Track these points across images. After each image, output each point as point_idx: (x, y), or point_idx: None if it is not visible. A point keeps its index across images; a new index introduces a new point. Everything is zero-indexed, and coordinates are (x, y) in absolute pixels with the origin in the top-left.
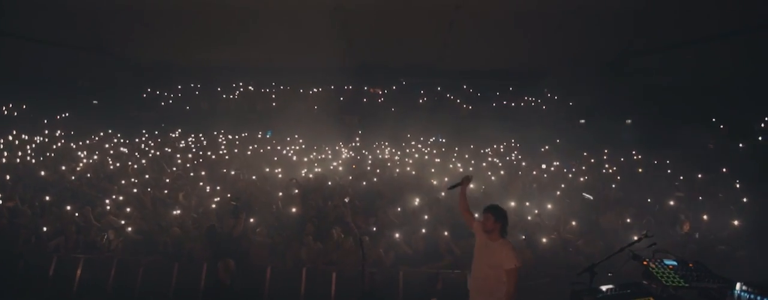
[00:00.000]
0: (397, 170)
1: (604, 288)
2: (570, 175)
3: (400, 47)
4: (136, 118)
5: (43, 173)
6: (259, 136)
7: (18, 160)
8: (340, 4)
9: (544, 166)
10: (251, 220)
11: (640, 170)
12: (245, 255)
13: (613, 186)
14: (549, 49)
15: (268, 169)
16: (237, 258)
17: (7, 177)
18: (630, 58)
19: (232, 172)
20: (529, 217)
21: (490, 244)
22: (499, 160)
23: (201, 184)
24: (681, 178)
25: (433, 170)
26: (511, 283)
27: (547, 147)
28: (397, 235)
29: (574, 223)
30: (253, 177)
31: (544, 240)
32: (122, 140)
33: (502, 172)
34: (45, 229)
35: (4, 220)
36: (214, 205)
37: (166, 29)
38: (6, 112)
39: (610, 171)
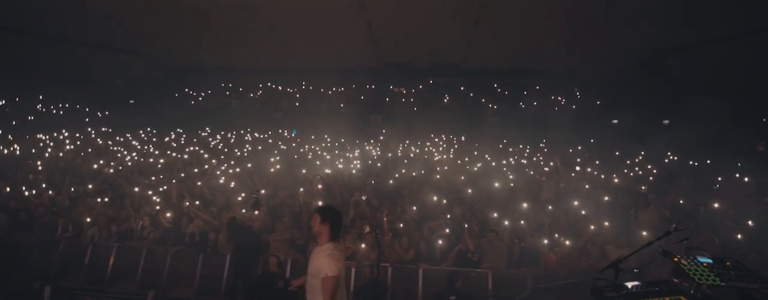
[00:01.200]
0: (421, 170)
1: (629, 285)
2: (602, 177)
3: (424, 46)
4: (169, 116)
5: (83, 167)
6: (284, 134)
7: (61, 154)
8: (365, 4)
9: (578, 168)
10: (256, 212)
11: (677, 173)
12: (266, 248)
13: (644, 188)
14: (579, 47)
15: (286, 166)
16: (258, 251)
17: (39, 167)
18: (667, 55)
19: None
20: (543, 222)
21: (316, 248)
22: (525, 160)
23: (225, 179)
24: (719, 179)
25: (456, 169)
26: (324, 293)
27: (579, 147)
28: (418, 232)
29: (606, 223)
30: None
31: (567, 243)
32: (156, 137)
33: (530, 172)
34: (88, 219)
35: (44, 209)
36: (236, 198)
37: (195, 30)
38: (54, 111)
39: (641, 172)
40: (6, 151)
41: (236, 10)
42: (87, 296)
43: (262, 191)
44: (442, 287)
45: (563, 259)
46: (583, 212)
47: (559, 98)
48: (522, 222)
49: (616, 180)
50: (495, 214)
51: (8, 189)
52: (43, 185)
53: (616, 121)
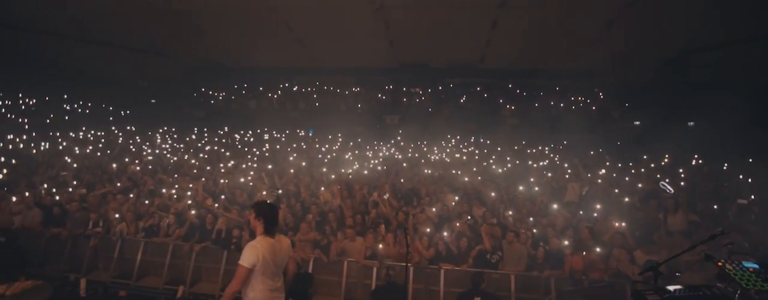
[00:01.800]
0: (439, 171)
1: (671, 288)
2: (626, 179)
3: (442, 47)
4: (189, 115)
5: (109, 165)
6: (301, 133)
7: (88, 151)
8: (384, 4)
9: (602, 171)
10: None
11: (702, 174)
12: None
13: (671, 190)
14: (600, 47)
15: (310, 166)
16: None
17: (75, 165)
18: (691, 55)
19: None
20: (567, 225)
21: None
22: (545, 161)
23: (247, 177)
24: (749, 181)
25: (474, 170)
26: (234, 278)
27: (600, 150)
28: (439, 233)
29: (624, 224)
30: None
31: (598, 249)
32: (177, 136)
33: (549, 174)
34: (117, 215)
35: (77, 205)
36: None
37: (215, 31)
38: (79, 110)
39: (667, 176)
40: (36, 150)
41: (256, 10)
42: (120, 289)
43: (280, 191)
44: (465, 287)
45: (594, 263)
46: (608, 216)
47: (580, 99)
48: (540, 223)
49: (640, 185)
50: (510, 213)
51: (45, 185)
52: (74, 182)
53: (638, 123)
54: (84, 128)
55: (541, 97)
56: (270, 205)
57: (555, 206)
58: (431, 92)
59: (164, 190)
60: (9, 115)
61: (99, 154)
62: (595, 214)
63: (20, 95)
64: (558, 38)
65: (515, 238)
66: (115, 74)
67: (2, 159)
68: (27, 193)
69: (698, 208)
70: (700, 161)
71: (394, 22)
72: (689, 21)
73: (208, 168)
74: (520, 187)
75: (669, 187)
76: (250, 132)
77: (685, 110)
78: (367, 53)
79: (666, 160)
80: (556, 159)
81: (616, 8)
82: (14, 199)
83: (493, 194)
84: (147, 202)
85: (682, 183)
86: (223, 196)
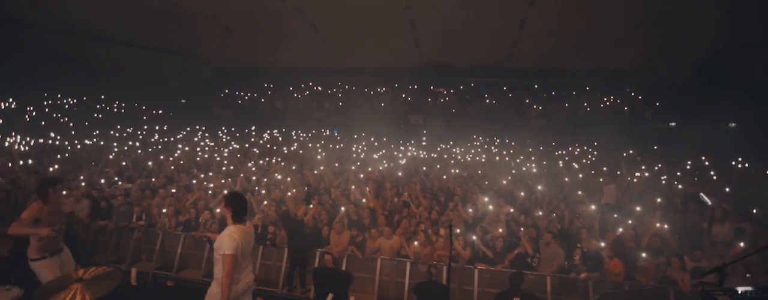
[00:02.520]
0: (468, 171)
1: (740, 290)
2: (663, 182)
3: (468, 47)
4: (217, 115)
5: (148, 162)
6: (326, 133)
7: (126, 148)
8: (410, 4)
9: (637, 173)
10: (310, 205)
11: (749, 177)
12: (320, 240)
13: (709, 202)
14: (633, 45)
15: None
16: (313, 243)
17: (123, 163)
18: (731, 54)
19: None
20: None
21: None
22: (576, 163)
23: (278, 175)
24: None
25: (503, 170)
26: (223, 268)
27: (631, 151)
28: (474, 235)
29: (665, 226)
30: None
31: (644, 255)
32: (207, 135)
33: (580, 176)
34: (164, 210)
35: (122, 199)
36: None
37: (243, 33)
38: (115, 110)
39: (704, 180)
40: (79, 147)
41: (283, 12)
42: (166, 280)
43: (306, 188)
44: (500, 288)
45: (645, 268)
46: (647, 218)
47: (610, 99)
48: (574, 224)
49: (680, 186)
50: (539, 213)
51: (82, 178)
52: (116, 178)
53: (673, 124)
54: (119, 126)
55: (570, 97)
56: (238, 194)
57: (593, 207)
58: (456, 92)
59: (195, 181)
60: (53, 115)
61: (140, 151)
62: (630, 221)
63: (59, 96)
64: (588, 37)
65: (553, 239)
66: (149, 75)
67: (50, 156)
68: (83, 184)
69: (742, 210)
70: (747, 164)
71: (420, 21)
72: (728, 18)
73: (233, 167)
74: (551, 188)
75: (707, 198)
76: (277, 131)
77: (724, 111)
78: (392, 53)
79: (706, 162)
80: (587, 161)
81: (651, 5)
82: (64, 192)
83: (522, 194)
84: (177, 195)
85: (727, 189)
86: (263, 192)
